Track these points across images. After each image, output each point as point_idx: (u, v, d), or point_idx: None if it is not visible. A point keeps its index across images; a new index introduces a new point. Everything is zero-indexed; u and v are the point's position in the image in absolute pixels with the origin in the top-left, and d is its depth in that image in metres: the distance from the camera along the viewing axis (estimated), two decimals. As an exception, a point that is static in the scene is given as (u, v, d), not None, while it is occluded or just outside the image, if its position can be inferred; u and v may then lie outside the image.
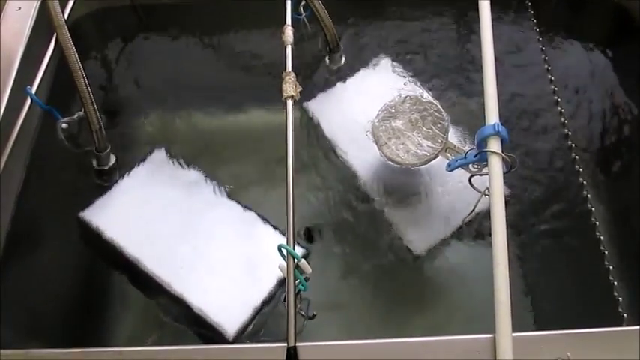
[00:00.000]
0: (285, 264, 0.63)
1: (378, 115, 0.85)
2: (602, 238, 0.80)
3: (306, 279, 0.63)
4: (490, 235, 0.63)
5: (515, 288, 0.63)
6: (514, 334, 0.58)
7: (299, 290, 0.63)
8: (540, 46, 0.99)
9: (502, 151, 0.67)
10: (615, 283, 0.76)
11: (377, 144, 0.84)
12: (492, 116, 0.69)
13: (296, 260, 0.62)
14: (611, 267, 0.77)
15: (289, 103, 0.73)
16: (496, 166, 0.67)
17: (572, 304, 0.78)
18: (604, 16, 1.03)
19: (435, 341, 0.61)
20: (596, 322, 0.63)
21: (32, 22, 0.91)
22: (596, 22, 1.04)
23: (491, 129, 0.68)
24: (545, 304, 0.78)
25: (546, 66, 0.96)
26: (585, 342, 0.60)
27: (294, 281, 0.62)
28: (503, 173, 0.67)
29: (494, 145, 0.68)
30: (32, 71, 0.85)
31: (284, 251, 0.63)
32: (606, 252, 0.79)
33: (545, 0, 1.05)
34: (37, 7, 0.92)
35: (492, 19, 0.77)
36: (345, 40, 1.01)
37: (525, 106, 0.94)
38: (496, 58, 0.73)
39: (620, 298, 0.75)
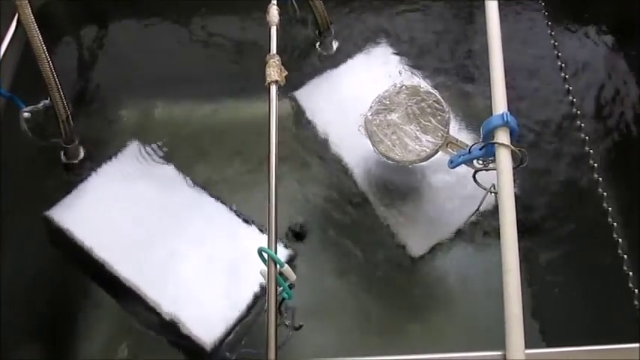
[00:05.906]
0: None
1: (370, 107, 0.81)
2: (620, 241, 0.77)
3: (291, 286, 0.59)
4: (498, 237, 0.58)
5: (526, 298, 0.60)
6: (527, 351, 0.54)
7: (283, 299, 0.59)
8: (549, 31, 0.97)
9: (511, 143, 0.64)
10: (636, 290, 0.73)
11: (370, 140, 0.80)
12: (500, 105, 0.66)
13: (279, 266, 0.58)
14: (630, 273, 0.75)
15: (273, 88, 0.69)
16: (505, 159, 0.63)
17: (589, 315, 0.75)
18: (614, 3, 1.01)
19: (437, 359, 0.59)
20: (615, 333, 0.62)
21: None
22: (607, 10, 1.02)
23: (500, 119, 0.64)
24: (560, 315, 0.75)
25: (556, 52, 0.95)
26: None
27: (277, 289, 0.57)
28: (512, 168, 0.63)
29: (503, 137, 0.64)
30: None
31: (265, 255, 0.58)
32: (625, 256, 0.76)
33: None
34: (-1, -15, 0.91)
35: (499, 3, 0.74)
36: (336, 24, 0.98)
37: (535, 96, 0.91)
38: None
39: (641, 307, 0.73)
